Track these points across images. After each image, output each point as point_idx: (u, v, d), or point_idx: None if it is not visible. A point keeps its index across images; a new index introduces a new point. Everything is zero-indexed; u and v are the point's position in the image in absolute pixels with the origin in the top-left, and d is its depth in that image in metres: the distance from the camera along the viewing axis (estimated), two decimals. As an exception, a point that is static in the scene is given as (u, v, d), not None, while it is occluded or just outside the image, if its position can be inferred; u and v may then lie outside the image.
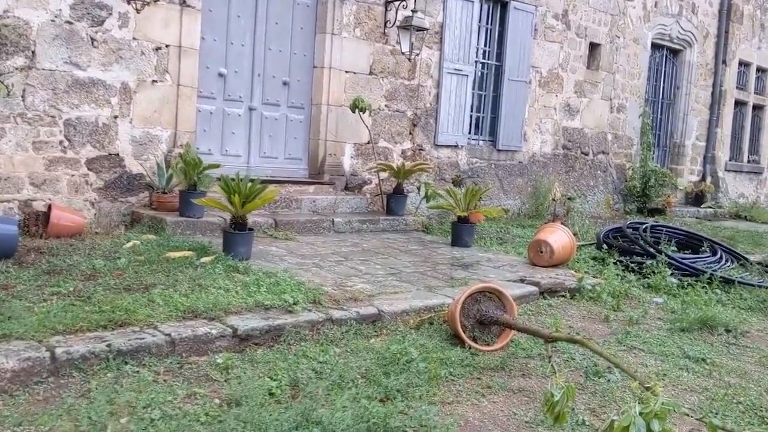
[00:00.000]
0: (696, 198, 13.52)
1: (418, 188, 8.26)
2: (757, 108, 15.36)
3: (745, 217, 13.51)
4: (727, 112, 14.40)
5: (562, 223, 8.26)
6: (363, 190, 8.34)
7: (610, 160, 11.98)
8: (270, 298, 4.22)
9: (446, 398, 3.40)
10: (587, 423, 3.25)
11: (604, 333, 4.76)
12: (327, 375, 3.49)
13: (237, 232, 5.34)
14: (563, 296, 5.57)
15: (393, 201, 7.86)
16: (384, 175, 8.13)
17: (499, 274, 5.84)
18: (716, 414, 3.48)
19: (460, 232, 7.06)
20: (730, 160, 14.76)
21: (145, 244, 5.51)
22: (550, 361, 3.35)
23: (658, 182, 11.86)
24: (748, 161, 15.43)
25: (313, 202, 7.46)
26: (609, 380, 3.79)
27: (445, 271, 5.75)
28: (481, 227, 8.42)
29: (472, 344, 4.15)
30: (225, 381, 3.36)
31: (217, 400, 3.14)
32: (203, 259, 5.08)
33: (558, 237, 6.38)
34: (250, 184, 5.37)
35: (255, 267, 5.10)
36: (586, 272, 6.45)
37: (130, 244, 5.47)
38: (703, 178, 13.98)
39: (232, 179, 5.35)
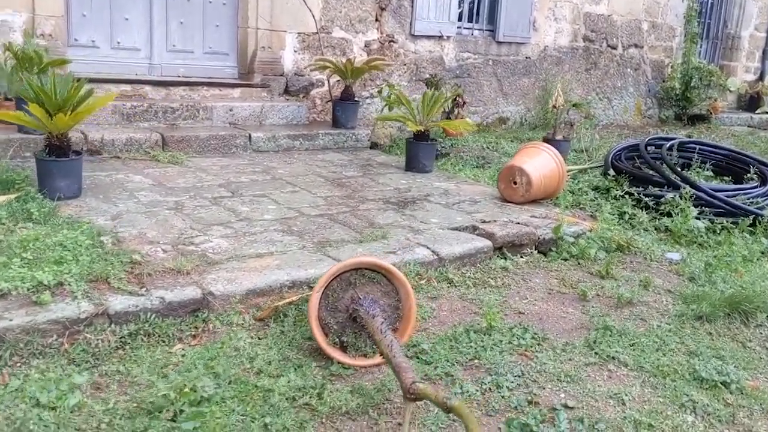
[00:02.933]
0: (750, 101, 11.27)
1: (380, 92, 6.41)
2: (835, -10, 12.63)
3: (810, 125, 11.24)
4: (798, -6, 11.80)
5: (563, 138, 6.41)
6: (311, 94, 6.55)
7: (644, 55, 9.77)
8: (17, 277, 2.62)
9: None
10: None
11: (571, 326, 3.05)
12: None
13: (53, 158, 3.71)
14: (530, 253, 3.85)
15: (339, 109, 6.05)
16: (333, 75, 6.28)
17: (447, 217, 4.12)
18: None
19: (416, 152, 5.27)
20: (796, 55, 12.26)
21: (-56, 174, 3.94)
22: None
23: (703, 82, 9.65)
24: (819, 56, 12.87)
25: (230, 111, 5.72)
26: (547, 442, 2.16)
27: (370, 214, 4.06)
28: (462, 142, 6.61)
29: (338, 356, 2.54)
30: None
31: None
32: (-5, 200, 3.51)
33: (540, 162, 4.57)
34: (74, 86, 3.70)
35: (68, 211, 3.50)
36: (581, 209, 4.71)
37: None
38: (761, 78, 11.62)
39: (43, 82, 3.67)
